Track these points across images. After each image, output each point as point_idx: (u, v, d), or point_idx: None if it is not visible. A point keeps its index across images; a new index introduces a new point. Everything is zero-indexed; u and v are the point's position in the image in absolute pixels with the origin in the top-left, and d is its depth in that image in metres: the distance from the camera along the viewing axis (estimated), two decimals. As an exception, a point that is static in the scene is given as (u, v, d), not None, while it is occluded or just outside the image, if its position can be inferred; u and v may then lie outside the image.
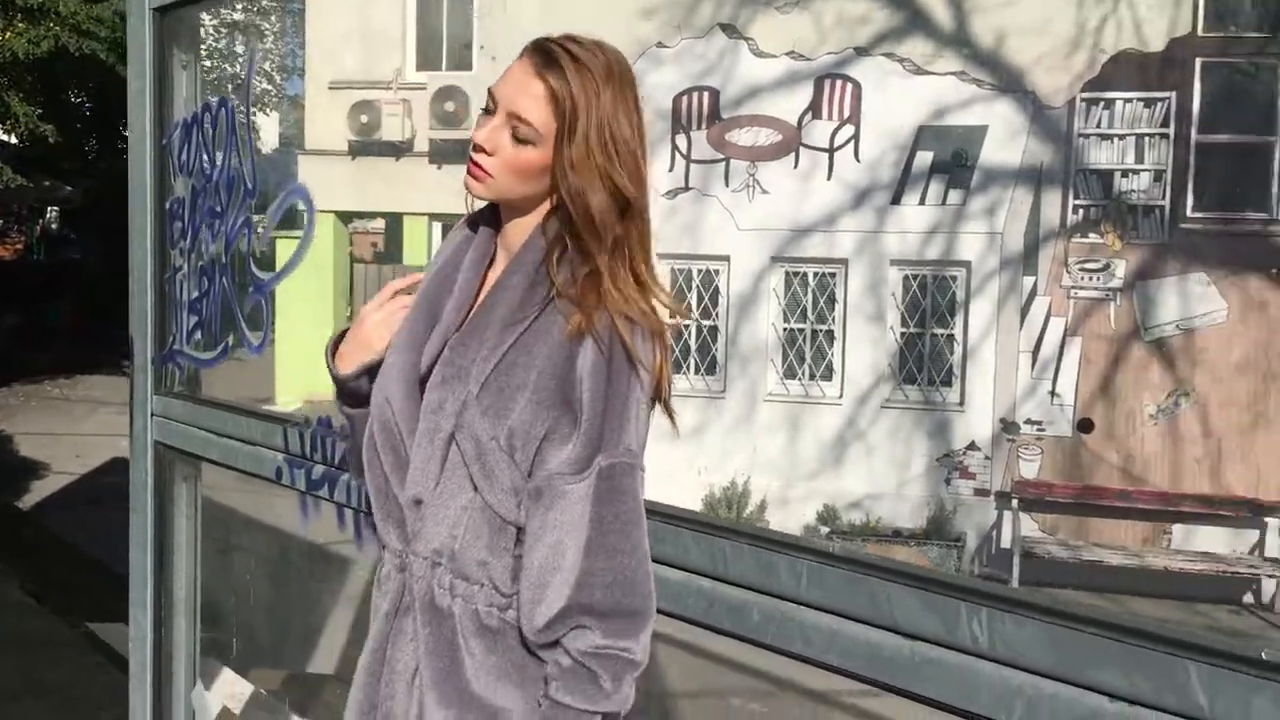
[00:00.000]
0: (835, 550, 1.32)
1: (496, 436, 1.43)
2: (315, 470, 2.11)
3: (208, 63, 14.73)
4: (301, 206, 2.28)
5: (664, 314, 1.49)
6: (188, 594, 2.87)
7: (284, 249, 2.38)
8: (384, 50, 14.36)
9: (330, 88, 14.41)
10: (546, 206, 1.51)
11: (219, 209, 2.46)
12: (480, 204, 1.59)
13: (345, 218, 14.37)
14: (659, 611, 1.45)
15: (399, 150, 14.22)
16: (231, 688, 3.80)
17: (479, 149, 1.47)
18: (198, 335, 2.67)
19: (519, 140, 1.46)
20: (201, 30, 3.01)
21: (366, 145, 14.31)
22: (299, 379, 10.55)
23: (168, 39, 2.64)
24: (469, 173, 1.49)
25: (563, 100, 1.44)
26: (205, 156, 2.51)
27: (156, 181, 2.65)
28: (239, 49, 19.70)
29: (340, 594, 7.46)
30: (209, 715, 2.83)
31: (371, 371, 1.60)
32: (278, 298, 2.39)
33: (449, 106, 13.67)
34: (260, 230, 2.31)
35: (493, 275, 1.57)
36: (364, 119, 14.13)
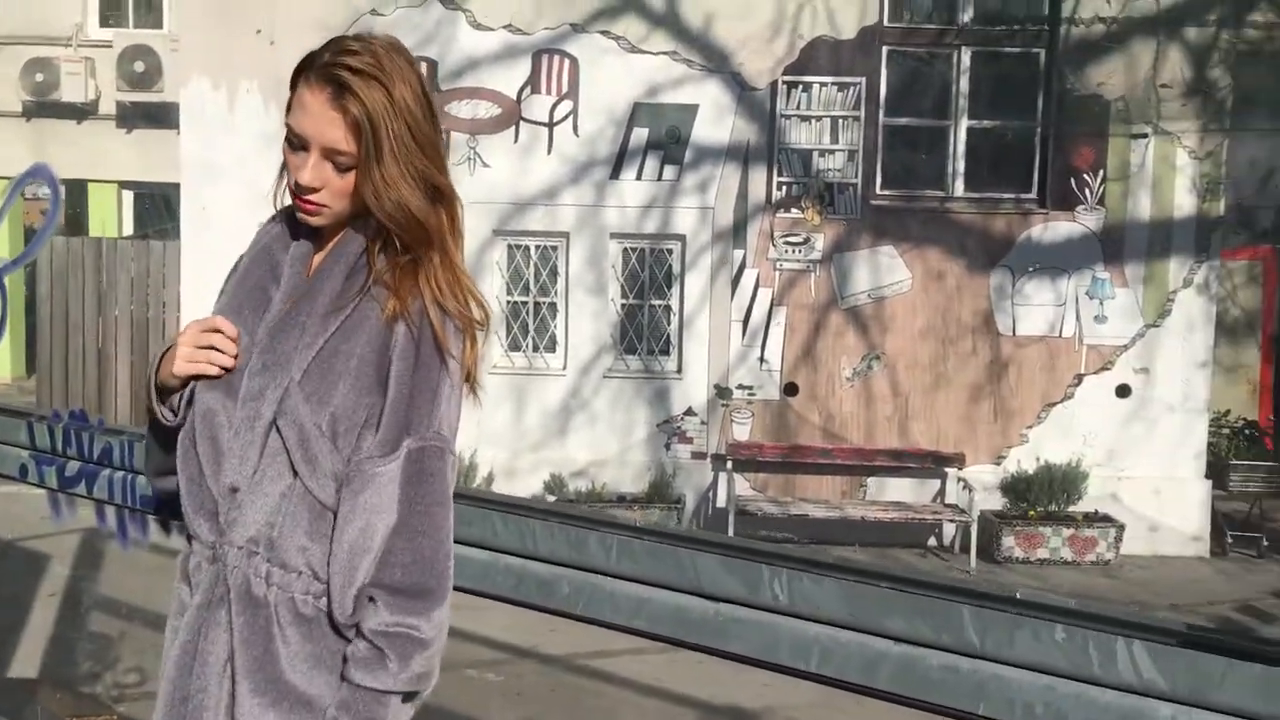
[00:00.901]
0: (642, 525, 1.41)
1: (319, 422, 1.45)
2: (69, 466, 1.99)
3: None
4: (45, 184, 2.13)
5: (476, 311, 1.53)
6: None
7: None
8: (61, 3, 13.19)
9: (-1, 42, 13.11)
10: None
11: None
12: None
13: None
14: (468, 591, 1.50)
15: (82, 112, 13.15)
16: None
17: (308, 189, 1.50)
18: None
19: (341, 169, 1.50)
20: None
21: (43, 106, 13.13)
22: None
23: None
24: (303, 210, 1.53)
25: (363, 124, 1.47)
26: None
27: None
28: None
29: (37, 593, 6.91)
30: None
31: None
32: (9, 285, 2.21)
33: (139, 67, 12.76)
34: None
35: (315, 266, 1.56)
36: (39, 78, 12.96)
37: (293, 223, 1.60)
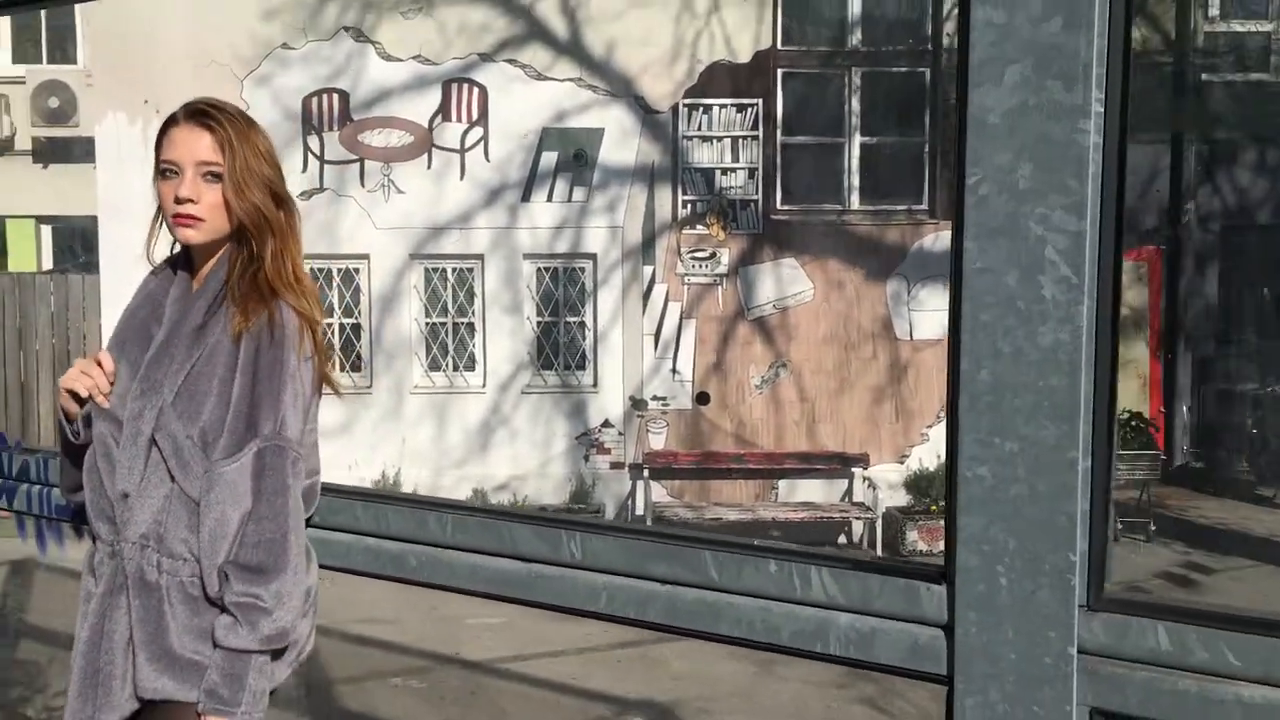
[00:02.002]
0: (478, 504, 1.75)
1: (191, 435, 1.76)
2: (56, 498, 2.27)
3: None
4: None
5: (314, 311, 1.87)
6: None
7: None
8: (-28, 40, 13.20)
9: (-93, 79, 13.07)
10: (229, 243, 1.85)
11: None
12: (167, 253, 1.89)
13: (-63, 223, 13.12)
14: (335, 569, 1.82)
15: (-3, 148, 13.17)
16: None
17: (184, 201, 1.80)
18: None
19: (212, 179, 1.84)
20: None
21: (-45, 143, 13.13)
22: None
23: None
24: (182, 226, 1.85)
25: (224, 141, 1.84)
26: None
27: None
28: None
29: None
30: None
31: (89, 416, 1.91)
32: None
33: (52, 102, 12.83)
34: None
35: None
36: (-48, 114, 12.95)
37: (173, 268, 1.92)
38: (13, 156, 13.26)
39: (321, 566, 1.90)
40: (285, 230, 1.87)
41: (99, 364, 1.88)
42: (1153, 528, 9.67)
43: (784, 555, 1.50)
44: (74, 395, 1.88)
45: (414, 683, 6.74)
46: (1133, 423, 10.22)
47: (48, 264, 13.84)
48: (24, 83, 12.85)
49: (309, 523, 1.90)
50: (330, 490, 1.90)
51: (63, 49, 13.59)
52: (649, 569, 1.60)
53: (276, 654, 1.79)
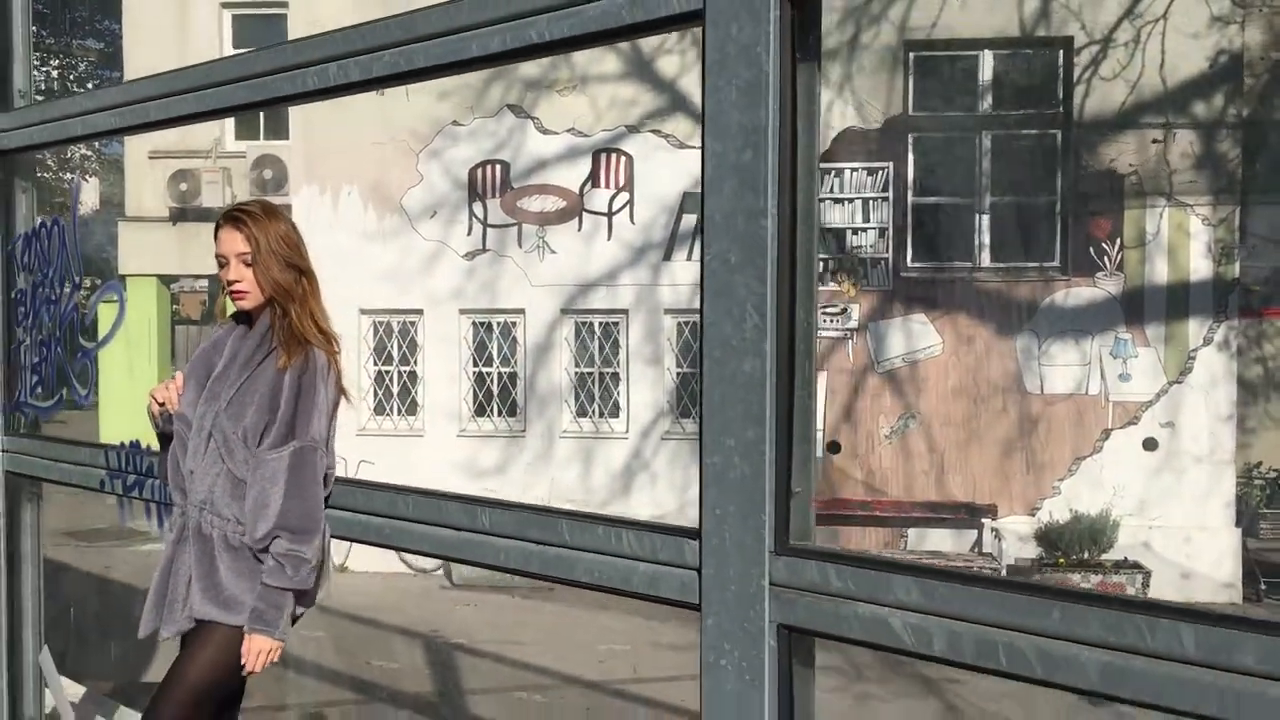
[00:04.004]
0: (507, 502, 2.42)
1: (237, 431, 2.51)
2: (129, 478, 3.11)
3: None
4: (114, 298, 3.30)
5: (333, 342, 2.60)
6: (32, 588, 3.77)
7: (106, 316, 3.39)
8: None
9: (150, 157, 14.98)
10: (269, 303, 2.61)
11: (54, 298, 3.43)
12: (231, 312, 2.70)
13: (168, 280, 14.91)
14: (347, 539, 2.54)
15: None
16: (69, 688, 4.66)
17: (233, 283, 2.58)
18: (38, 390, 3.62)
19: (248, 264, 2.57)
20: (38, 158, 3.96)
21: (186, 211, 14.92)
22: (120, 423, 11.19)
23: (11, 173, 3.60)
24: (235, 298, 2.62)
25: (250, 234, 2.59)
26: (42, 259, 3.48)
27: (3, 278, 3.61)
28: (67, 176, 23.31)
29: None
30: (51, 670, 3.73)
31: (170, 416, 2.70)
32: (101, 360, 3.37)
33: (267, 174, 14.43)
34: (84, 313, 3.31)
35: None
36: (183, 187, 14.74)
37: (235, 321, 2.70)
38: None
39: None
40: (305, 293, 2.60)
41: (175, 381, 2.67)
42: (1301, 589, 9.45)
43: (609, 523, 2.10)
44: (159, 401, 2.70)
45: (537, 697, 7.44)
46: (1278, 481, 10.03)
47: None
48: (244, 157, 14.54)
49: (326, 503, 2.64)
50: (345, 482, 2.62)
51: (276, 125, 15.29)
52: (529, 534, 2.23)
53: (300, 596, 2.53)
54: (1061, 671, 1.55)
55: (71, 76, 26.97)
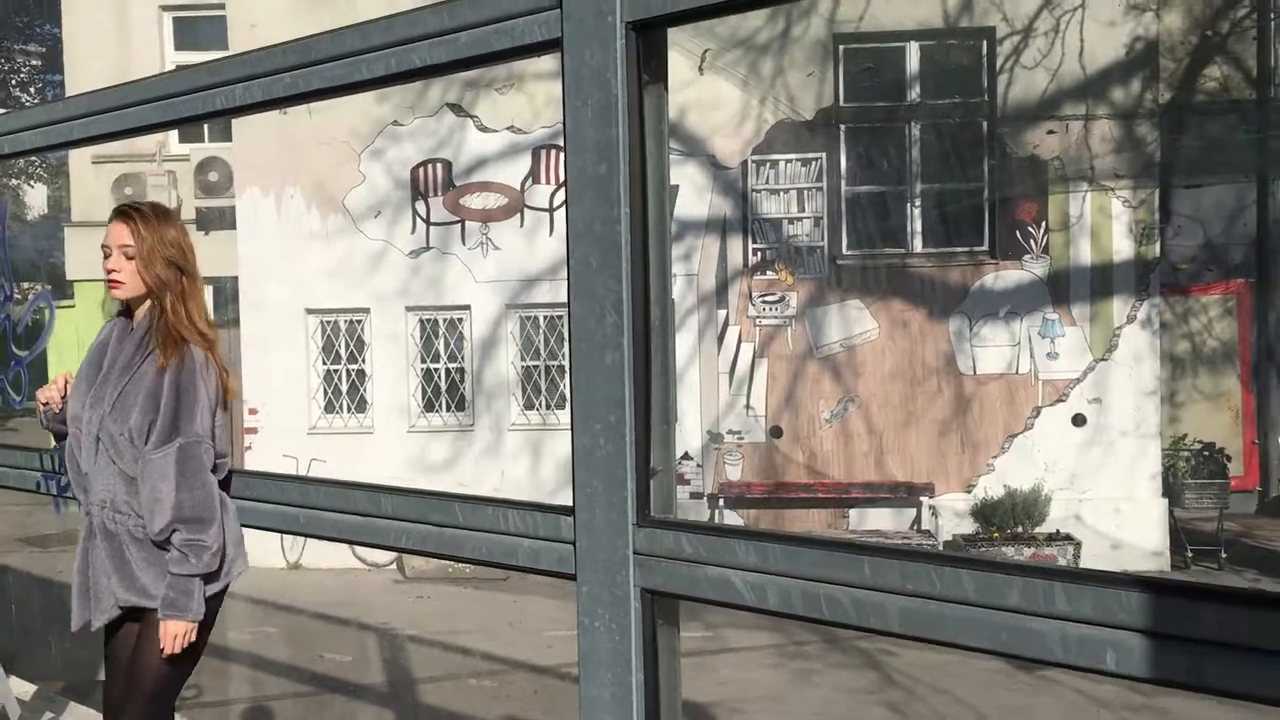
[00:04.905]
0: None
1: (123, 433, 2.68)
2: (63, 479, 3.27)
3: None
4: (44, 305, 3.46)
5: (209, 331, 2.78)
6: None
7: (62, 319, 3.55)
8: (146, 125, 15.01)
9: (94, 162, 14.96)
10: (148, 299, 2.78)
11: (-13, 309, 3.59)
12: (114, 307, 2.87)
13: (115, 286, 14.88)
14: (256, 527, 2.71)
15: (166, 219, 14.91)
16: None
17: (114, 271, 2.75)
18: (-25, 397, 3.77)
19: (129, 257, 2.76)
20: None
21: (133, 215, 14.91)
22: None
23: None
24: (113, 288, 2.78)
25: (136, 229, 2.78)
26: (-25, 273, 3.64)
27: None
28: (13, 183, 22.77)
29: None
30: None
31: (54, 415, 2.90)
32: (52, 364, 3.54)
33: (212, 177, 14.46)
34: (16, 323, 3.48)
35: None
36: (129, 191, 14.71)
37: (119, 320, 2.87)
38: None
39: (244, 525, 2.82)
40: (183, 291, 2.78)
41: (58, 382, 2.87)
42: (1224, 555, 9.82)
43: (497, 504, 2.31)
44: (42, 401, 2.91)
45: (487, 683, 7.64)
46: (1204, 452, 10.39)
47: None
48: (189, 160, 14.56)
49: (235, 495, 2.82)
50: (249, 473, 2.81)
51: (221, 128, 15.31)
52: (428, 517, 2.43)
53: (210, 577, 2.71)
54: (873, 617, 1.77)
55: (14, 81, 26.81)
